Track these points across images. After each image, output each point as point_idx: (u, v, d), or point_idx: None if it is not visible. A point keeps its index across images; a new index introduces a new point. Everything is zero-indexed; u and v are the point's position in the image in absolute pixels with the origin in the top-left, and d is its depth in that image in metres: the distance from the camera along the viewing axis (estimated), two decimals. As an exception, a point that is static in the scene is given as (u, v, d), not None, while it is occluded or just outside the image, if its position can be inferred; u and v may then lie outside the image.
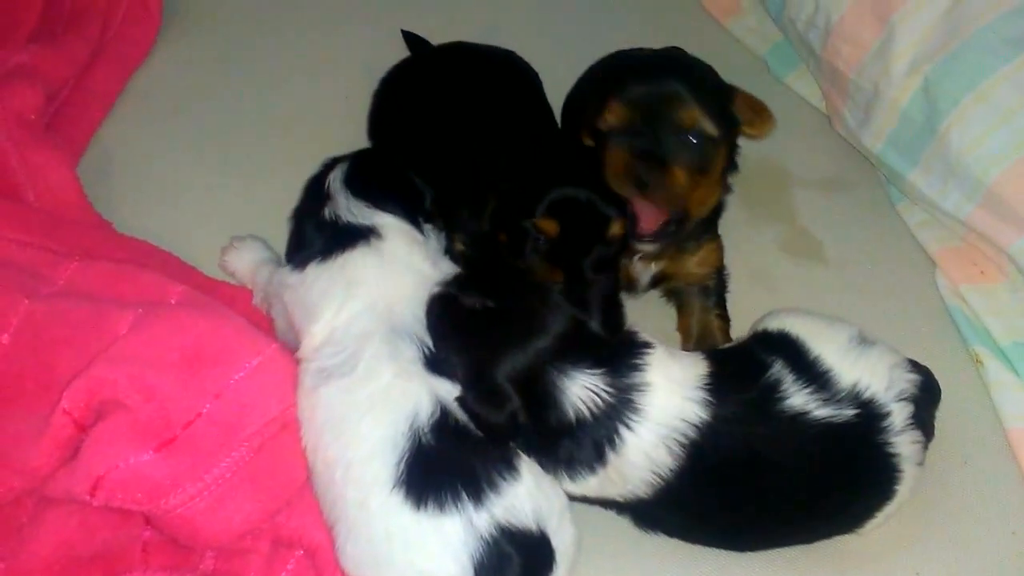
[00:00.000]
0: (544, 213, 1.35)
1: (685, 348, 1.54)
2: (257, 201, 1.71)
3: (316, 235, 1.37)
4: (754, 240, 1.71)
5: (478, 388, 1.19)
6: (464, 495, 1.13)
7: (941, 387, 1.35)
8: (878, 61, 1.64)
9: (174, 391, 1.20)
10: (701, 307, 1.54)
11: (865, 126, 1.71)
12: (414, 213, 1.40)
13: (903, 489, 1.23)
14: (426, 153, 1.55)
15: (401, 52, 1.87)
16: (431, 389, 1.20)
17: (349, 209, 1.36)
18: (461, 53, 1.76)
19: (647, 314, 1.57)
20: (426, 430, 1.16)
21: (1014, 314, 1.55)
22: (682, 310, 1.58)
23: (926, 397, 1.27)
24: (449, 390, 1.21)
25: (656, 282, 1.55)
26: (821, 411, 1.20)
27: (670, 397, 1.18)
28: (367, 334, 1.23)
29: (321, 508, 1.23)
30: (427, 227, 1.41)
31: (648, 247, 1.45)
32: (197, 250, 1.63)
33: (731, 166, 1.50)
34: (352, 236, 1.33)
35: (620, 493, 1.21)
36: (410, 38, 1.93)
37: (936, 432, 1.33)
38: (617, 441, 1.16)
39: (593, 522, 1.29)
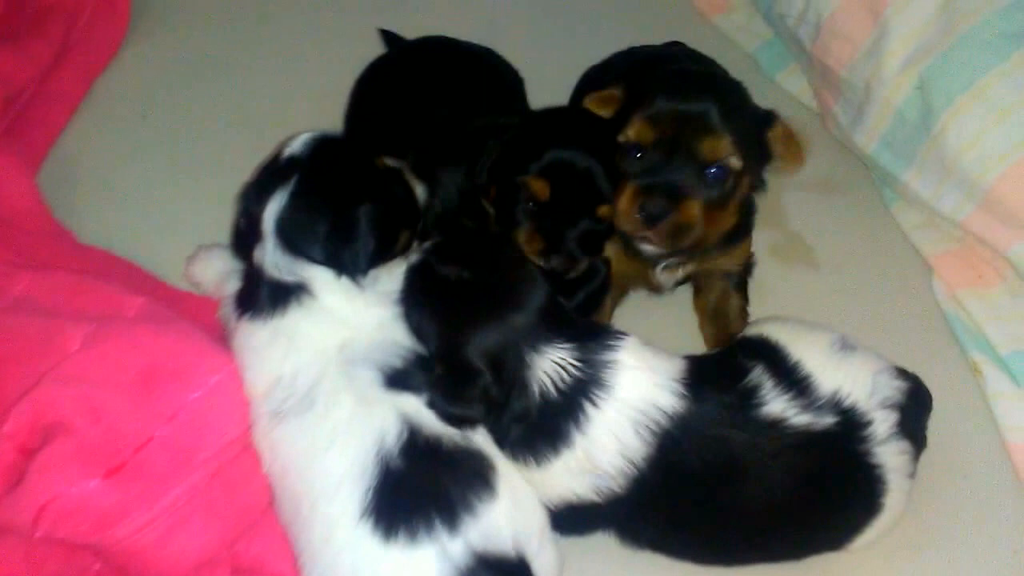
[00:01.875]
0: (538, 172, 1.31)
1: (701, 327, 1.52)
2: (226, 209, 1.62)
3: (247, 280, 1.28)
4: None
5: (449, 362, 1.16)
6: (437, 522, 1.08)
7: (938, 398, 1.31)
8: (870, 58, 1.58)
9: (125, 413, 1.14)
10: (721, 287, 1.50)
11: (857, 125, 1.65)
12: (353, 259, 1.24)
13: (891, 502, 1.19)
14: (405, 127, 1.52)
15: (378, 52, 1.80)
16: (396, 409, 1.14)
17: (276, 264, 1.22)
18: (438, 47, 1.71)
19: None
20: (395, 454, 1.11)
21: (1013, 320, 1.49)
22: (700, 290, 1.53)
23: (914, 405, 1.22)
24: (416, 405, 1.16)
25: (683, 281, 1.52)
26: (799, 418, 1.17)
27: (641, 379, 1.15)
28: (319, 375, 1.17)
29: (287, 534, 1.17)
30: (372, 271, 1.26)
31: (652, 249, 1.40)
32: (162, 260, 1.57)
33: (757, 186, 1.41)
34: (282, 294, 1.22)
35: (594, 486, 1.15)
36: (388, 37, 1.86)
37: (933, 445, 1.28)
38: (582, 418, 1.13)
39: (577, 545, 1.25)
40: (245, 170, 1.68)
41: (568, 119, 1.46)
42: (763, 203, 1.68)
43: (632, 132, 1.29)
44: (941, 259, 1.61)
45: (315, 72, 1.89)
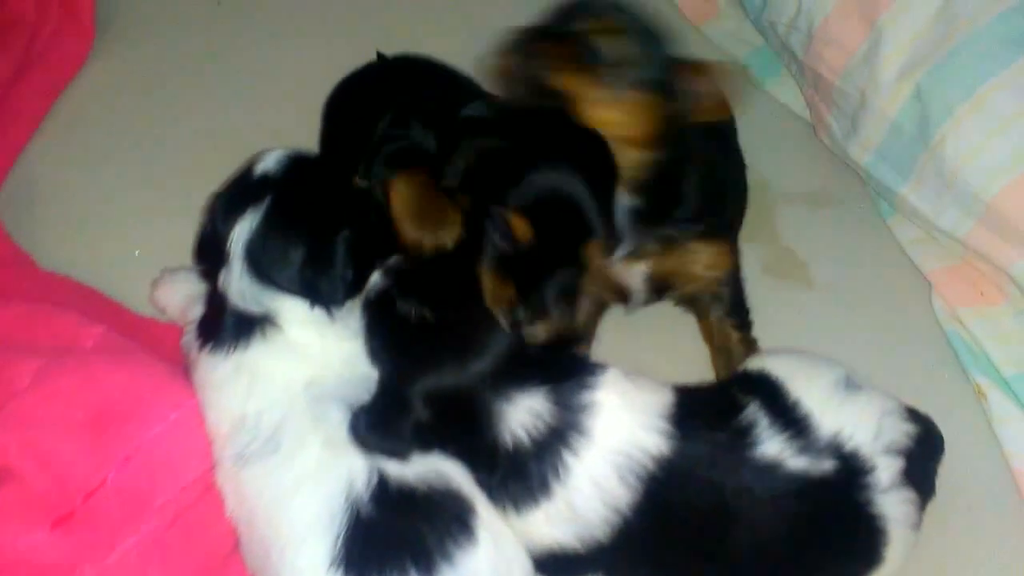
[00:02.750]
0: (518, 207, 1.11)
1: (713, 363, 1.44)
2: (194, 230, 1.57)
3: (210, 307, 1.20)
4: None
5: (385, 398, 1.10)
6: (412, 572, 1.01)
7: (939, 422, 1.24)
8: (865, 66, 1.52)
9: (75, 457, 1.07)
10: (717, 317, 1.41)
11: (852, 136, 1.59)
12: (331, 289, 1.16)
13: (892, 555, 1.11)
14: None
15: (355, 64, 1.72)
16: (365, 452, 1.06)
17: (241, 293, 1.14)
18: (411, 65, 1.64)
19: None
20: (365, 500, 1.04)
21: (1018, 341, 1.43)
22: (700, 319, 1.46)
23: (924, 451, 1.16)
24: None
25: (659, 291, 1.39)
26: (796, 461, 1.10)
27: (623, 421, 1.08)
28: (284, 415, 1.09)
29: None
30: (346, 303, 1.18)
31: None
32: (127, 284, 1.50)
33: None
34: (246, 326, 1.14)
35: (577, 535, 1.08)
36: (382, 60, 1.77)
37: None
38: (561, 469, 1.06)
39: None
40: (213, 187, 1.63)
41: (556, 124, 1.24)
42: (754, 217, 1.64)
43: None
44: (941, 275, 1.54)
45: (286, 87, 1.81)
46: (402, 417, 1.08)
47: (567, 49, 1.17)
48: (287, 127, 1.66)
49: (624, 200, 1.23)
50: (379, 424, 1.08)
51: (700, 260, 1.34)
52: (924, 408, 1.29)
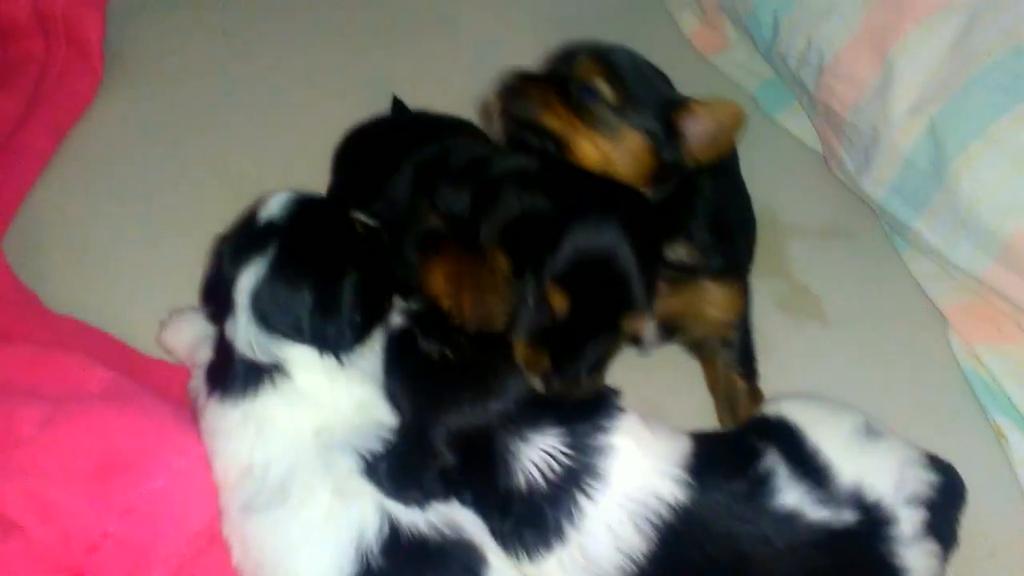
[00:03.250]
0: (557, 278, 1.08)
1: (717, 411, 1.40)
2: (201, 272, 1.56)
3: (218, 353, 1.18)
4: (746, 296, 1.56)
5: (407, 443, 1.10)
6: None
7: (958, 464, 1.21)
8: (877, 101, 1.50)
9: (78, 509, 1.05)
10: (724, 363, 1.37)
11: (865, 171, 1.57)
12: (339, 335, 1.14)
13: None
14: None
15: (360, 106, 1.72)
16: (376, 501, 1.05)
17: (249, 342, 1.12)
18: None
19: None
20: (375, 551, 1.02)
21: (1037, 380, 1.39)
22: (705, 365, 1.42)
23: (946, 501, 1.12)
24: None
25: (669, 333, 1.37)
26: (816, 513, 1.07)
27: (639, 466, 1.07)
28: (293, 465, 1.08)
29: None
30: (356, 348, 1.17)
31: None
32: (135, 325, 1.48)
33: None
34: (254, 374, 1.12)
35: None
36: (397, 106, 1.77)
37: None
38: (575, 512, 1.04)
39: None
40: (218, 228, 1.62)
41: (599, 185, 1.19)
42: (767, 251, 1.62)
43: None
44: (957, 311, 1.51)
45: (293, 127, 1.81)
46: (424, 462, 1.07)
47: (559, 90, 1.19)
48: (294, 166, 1.66)
49: None
50: (399, 470, 1.07)
51: (712, 301, 1.32)
52: (942, 450, 1.26)
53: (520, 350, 1.11)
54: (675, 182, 1.23)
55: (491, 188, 1.19)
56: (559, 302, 1.08)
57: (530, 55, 1.97)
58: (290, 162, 1.69)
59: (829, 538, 1.05)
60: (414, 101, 1.72)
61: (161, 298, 1.52)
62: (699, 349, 1.41)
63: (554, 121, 1.18)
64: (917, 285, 1.58)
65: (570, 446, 1.06)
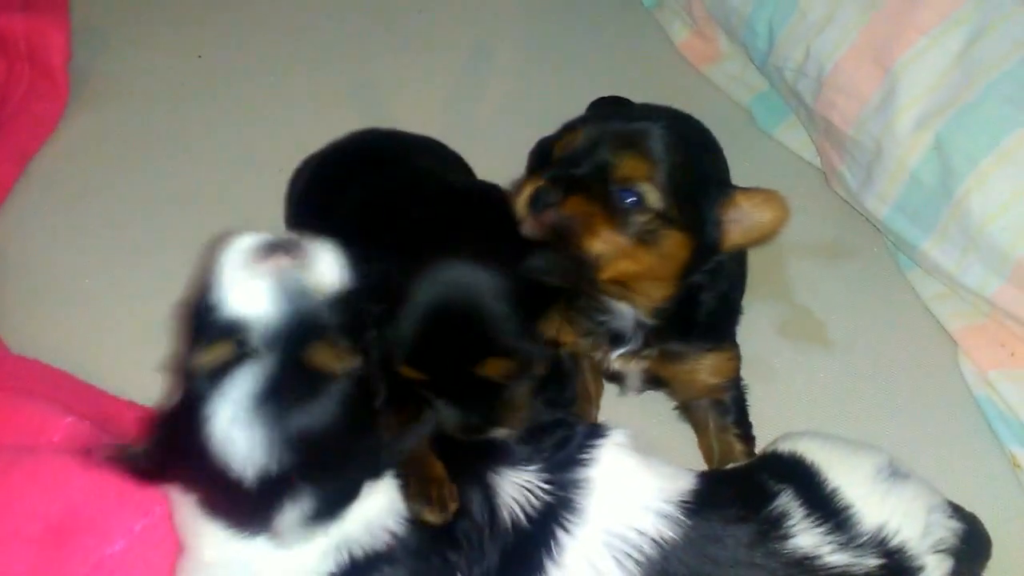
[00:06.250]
0: (406, 359, 1.03)
1: None
2: (169, 301, 1.48)
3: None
4: (746, 322, 1.47)
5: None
6: None
7: (971, 497, 1.16)
8: (880, 115, 1.43)
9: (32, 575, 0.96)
10: (718, 426, 1.30)
11: (868, 188, 1.50)
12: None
13: None
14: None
15: (336, 129, 1.64)
16: None
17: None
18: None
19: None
20: None
21: (1054, 407, 1.32)
22: (697, 428, 1.34)
23: (970, 551, 1.06)
24: None
25: (655, 383, 1.32)
26: (835, 557, 1.01)
27: (618, 500, 1.03)
28: None
29: None
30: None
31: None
32: (102, 365, 1.42)
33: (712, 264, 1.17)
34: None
35: None
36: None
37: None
38: (554, 546, 1.01)
39: None
40: (193, 258, 1.54)
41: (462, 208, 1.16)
42: (766, 273, 1.55)
43: (561, 143, 1.10)
44: (967, 334, 1.44)
45: (264, 153, 1.73)
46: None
47: (602, 202, 1.06)
48: (265, 193, 1.58)
49: (639, 317, 1.18)
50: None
51: (703, 368, 1.24)
52: (954, 481, 1.22)
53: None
54: (707, 268, 1.15)
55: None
56: (413, 374, 1.04)
57: (517, 68, 1.93)
58: (262, 187, 1.61)
59: None
60: (394, 122, 1.64)
61: (130, 335, 1.48)
62: (690, 413, 1.34)
63: (597, 245, 1.06)
64: (924, 307, 1.52)
65: (548, 480, 1.04)
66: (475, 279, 1.03)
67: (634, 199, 1.05)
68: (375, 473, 0.98)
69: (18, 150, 1.68)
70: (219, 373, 0.87)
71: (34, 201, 1.66)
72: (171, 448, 0.92)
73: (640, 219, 1.06)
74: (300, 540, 0.92)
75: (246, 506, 0.90)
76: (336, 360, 0.90)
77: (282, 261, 0.91)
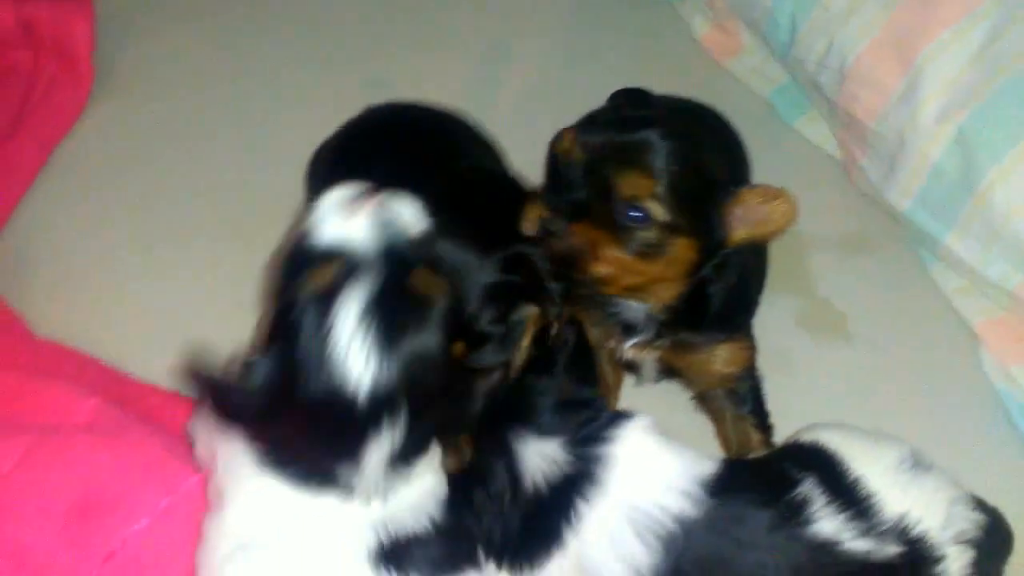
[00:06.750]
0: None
1: None
2: (199, 292, 1.51)
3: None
4: (766, 315, 1.47)
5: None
6: None
7: (993, 494, 1.13)
8: (903, 107, 1.42)
9: (55, 553, 0.98)
10: (734, 416, 1.30)
11: (889, 181, 1.49)
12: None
13: None
14: None
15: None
16: None
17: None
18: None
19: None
20: None
21: (1077, 402, 1.32)
22: (715, 418, 1.34)
23: (992, 544, 1.05)
24: None
25: (670, 373, 1.32)
26: (857, 543, 1.00)
27: (641, 476, 1.04)
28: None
29: None
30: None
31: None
32: (126, 348, 1.42)
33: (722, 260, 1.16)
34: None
35: None
36: None
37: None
38: (574, 516, 1.02)
39: None
40: (220, 246, 1.56)
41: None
42: (787, 266, 1.54)
43: (558, 145, 1.11)
44: (989, 328, 1.44)
45: (287, 144, 1.72)
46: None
47: (607, 226, 1.07)
48: (288, 181, 1.58)
49: (649, 312, 1.19)
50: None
51: (717, 358, 1.25)
52: (975, 474, 1.18)
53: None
54: (712, 264, 1.15)
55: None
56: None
57: (538, 61, 1.94)
58: (285, 169, 1.61)
59: (869, 570, 1.00)
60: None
61: (154, 319, 1.49)
62: (706, 403, 1.34)
63: (604, 268, 1.08)
64: (946, 300, 1.51)
65: (571, 453, 1.05)
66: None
67: (639, 215, 1.06)
68: (457, 423, 1.03)
69: (42, 139, 1.69)
70: (326, 297, 0.88)
71: (58, 189, 1.67)
72: (271, 384, 0.91)
73: (646, 234, 1.07)
74: (371, 491, 0.94)
75: (347, 433, 0.91)
76: (436, 287, 0.93)
77: (375, 203, 0.95)
